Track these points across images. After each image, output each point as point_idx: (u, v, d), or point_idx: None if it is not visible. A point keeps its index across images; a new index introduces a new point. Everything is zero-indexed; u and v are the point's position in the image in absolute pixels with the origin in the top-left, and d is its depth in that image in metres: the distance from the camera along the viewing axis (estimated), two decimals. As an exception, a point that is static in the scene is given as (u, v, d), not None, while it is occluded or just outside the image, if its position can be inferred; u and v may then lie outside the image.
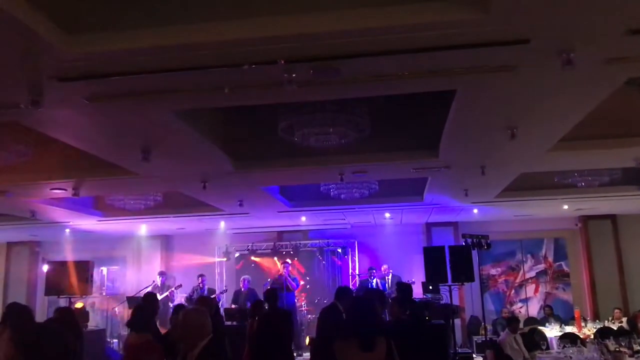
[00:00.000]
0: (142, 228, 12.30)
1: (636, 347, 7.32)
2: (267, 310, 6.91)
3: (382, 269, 11.97)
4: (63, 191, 7.84)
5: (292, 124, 5.60)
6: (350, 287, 10.37)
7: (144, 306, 5.39)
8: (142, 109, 4.70)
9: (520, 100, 4.79)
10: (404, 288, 7.29)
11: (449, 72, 3.98)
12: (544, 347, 8.66)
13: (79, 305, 10.26)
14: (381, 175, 8.01)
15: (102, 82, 3.93)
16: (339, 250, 13.51)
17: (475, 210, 11.37)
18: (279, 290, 11.24)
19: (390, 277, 11.64)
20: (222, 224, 12.16)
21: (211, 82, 4.07)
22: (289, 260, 12.27)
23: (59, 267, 9.84)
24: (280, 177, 7.95)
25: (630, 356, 6.75)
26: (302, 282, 12.50)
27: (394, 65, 3.86)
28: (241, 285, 11.42)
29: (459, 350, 9.62)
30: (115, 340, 11.59)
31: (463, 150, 6.44)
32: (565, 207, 11.34)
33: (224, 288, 12.70)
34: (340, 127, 5.55)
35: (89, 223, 11.21)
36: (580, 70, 3.91)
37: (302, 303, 12.41)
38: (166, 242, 14.20)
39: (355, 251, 13.47)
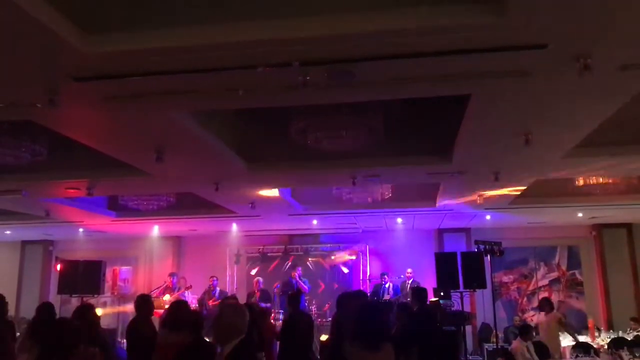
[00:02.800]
0: (155, 229, 12.37)
1: (651, 358, 7.24)
2: (291, 312, 6.97)
3: (407, 272, 11.92)
4: (77, 190, 7.90)
5: (306, 127, 5.60)
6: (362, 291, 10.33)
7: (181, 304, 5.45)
8: (156, 110, 4.73)
9: (535, 106, 4.74)
10: (418, 291, 7.26)
11: (463, 76, 3.95)
12: (556, 357, 8.57)
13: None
14: (394, 180, 7.99)
15: (117, 82, 3.95)
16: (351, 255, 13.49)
17: (488, 217, 11.29)
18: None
19: (410, 282, 11.59)
20: (234, 226, 12.19)
21: (226, 83, 4.08)
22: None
23: (72, 265, 9.92)
24: (292, 179, 7.96)
25: (645, 367, 6.67)
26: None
27: (408, 69, 3.84)
28: (255, 287, 11.41)
29: (470, 358, 9.52)
30: (125, 341, 11.62)
31: (477, 156, 6.39)
32: (580, 214, 11.22)
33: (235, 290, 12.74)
34: (354, 131, 5.54)
35: (102, 223, 11.30)
36: (597, 77, 3.86)
37: (312, 307, 12.39)
38: (178, 244, 14.27)
39: (367, 256, 13.44)
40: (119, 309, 13.05)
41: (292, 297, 7.19)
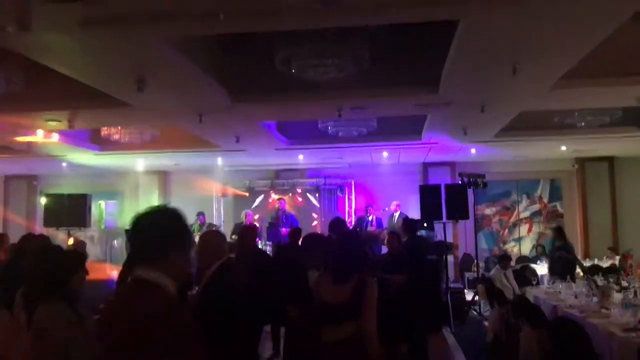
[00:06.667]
0: (140, 163, 12.28)
1: (624, 284, 7.50)
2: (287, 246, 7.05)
3: (392, 205, 12.04)
4: (58, 123, 7.75)
5: (290, 55, 5.47)
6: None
7: None
8: (135, 35, 4.57)
9: (524, 34, 4.67)
10: (410, 222, 7.35)
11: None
12: (534, 283, 8.89)
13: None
14: (380, 112, 7.92)
15: (93, 4, 3.78)
16: (337, 189, 13.61)
17: (473, 150, 11.35)
18: (277, 226, 11.46)
19: (397, 214, 11.73)
20: (219, 161, 12.14)
21: (205, 7, 3.93)
22: (284, 197, 12.44)
23: (57, 199, 9.90)
24: (277, 112, 7.86)
25: (618, 292, 6.91)
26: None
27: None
28: (245, 219, 11.47)
29: (451, 285, 9.84)
30: (115, 272, 11.80)
31: (464, 86, 6.34)
32: (563, 148, 11.32)
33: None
34: (339, 59, 5.43)
35: (86, 157, 11.17)
36: (586, 2, 3.78)
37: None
38: (164, 178, 14.24)
39: (352, 190, 13.56)
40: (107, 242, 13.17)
41: (292, 233, 7.24)
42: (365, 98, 6.83)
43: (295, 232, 7.21)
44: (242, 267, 4.57)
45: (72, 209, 9.68)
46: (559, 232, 9.93)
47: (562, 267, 8.82)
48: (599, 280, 7.32)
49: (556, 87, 6.35)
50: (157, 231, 1.74)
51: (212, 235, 4.06)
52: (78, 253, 3.75)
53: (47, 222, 9.94)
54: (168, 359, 1.59)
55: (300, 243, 5.89)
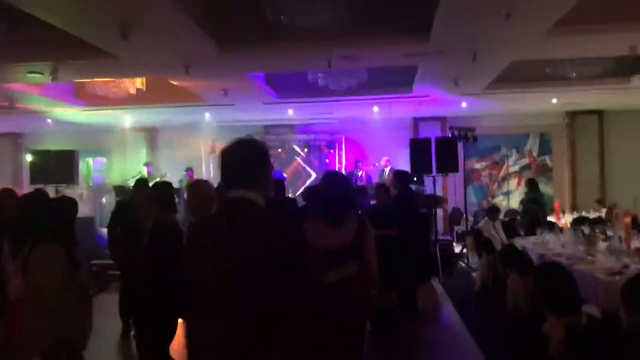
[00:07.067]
0: (127, 119, 12.10)
1: (609, 234, 7.62)
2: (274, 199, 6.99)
3: (382, 160, 12.02)
4: (40, 75, 7.56)
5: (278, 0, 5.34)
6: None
7: None
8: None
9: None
10: (401, 174, 7.29)
11: None
12: (522, 234, 9.01)
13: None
14: (371, 62, 7.80)
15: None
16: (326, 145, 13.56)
17: (464, 104, 11.29)
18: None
19: (388, 170, 11.72)
20: (207, 116, 11.99)
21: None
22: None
23: (43, 155, 9.77)
24: (266, 62, 7.70)
25: (603, 241, 7.01)
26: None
27: None
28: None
29: (440, 238, 9.94)
30: (105, 229, 11.78)
31: (456, 33, 6.23)
32: (554, 101, 11.29)
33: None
34: (329, 4, 5.30)
35: (72, 113, 10.97)
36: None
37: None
38: (152, 135, 14.07)
39: (342, 146, 13.50)
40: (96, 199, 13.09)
41: (276, 184, 7.18)
42: (355, 47, 6.69)
43: (278, 183, 7.16)
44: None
45: (60, 166, 9.57)
46: (532, 184, 10.09)
47: (529, 220, 8.98)
48: (586, 229, 7.42)
49: (549, 35, 6.27)
50: (247, 159, 2.00)
51: (206, 186, 3.97)
52: (69, 198, 3.69)
53: (34, 180, 9.82)
54: (273, 264, 1.78)
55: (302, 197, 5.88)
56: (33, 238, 3.27)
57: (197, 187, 3.89)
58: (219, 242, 1.86)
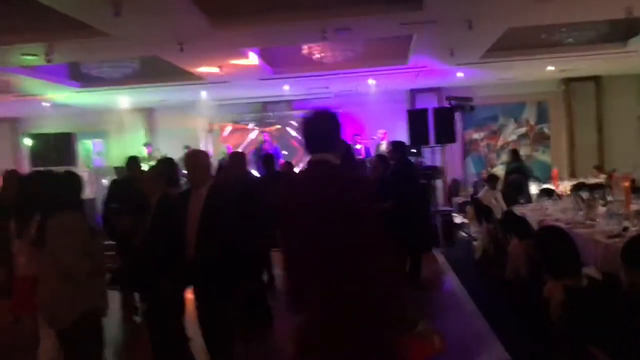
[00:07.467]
0: (124, 100, 12.04)
1: (609, 199, 7.65)
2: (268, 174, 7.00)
3: (379, 133, 12.01)
4: (34, 57, 7.51)
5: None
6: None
7: None
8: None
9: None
10: (398, 143, 7.24)
11: None
12: (522, 202, 9.04)
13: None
14: (365, 33, 7.74)
15: None
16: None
17: (460, 74, 11.24)
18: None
19: (385, 143, 11.70)
20: (204, 94, 11.94)
21: None
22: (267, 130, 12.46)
23: (42, 139, 9.79)
24: (259, 36, 7.63)
25: (603, 205, 7.05)
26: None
27: None
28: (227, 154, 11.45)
29: (440, 209, 9.99)
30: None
31: (449, 0, 6.17)
32: (550, 68, 11.24)
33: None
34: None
35: (67, 95, 10.91)
36: None
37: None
38: (149, 115, 14.05)
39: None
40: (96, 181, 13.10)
41: (267, 159, 7.21)
42: (349, 17, 6.64)
43: (268, 158, 7.18)
44: (231, 188, 4.57)
45: (59, 149, 9.65)
46: (514, 154, 10.14)
47: (513, 190, 9.01)
48: (584, 195, 7.46)
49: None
50: (326, 127, 2.39)
51: (202, 154, 4.02)
52: (72, 172, 3.75)
53: (34, 163, 9.88)
54: (356, 217, 2.19)
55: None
56: (45, 211, 3.33)
57: (193, 156, 3.94)
58: (312, 192, 2.29)
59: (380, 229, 2.27)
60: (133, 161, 6.19)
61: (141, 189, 4.07)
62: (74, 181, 3.47)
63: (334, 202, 2.21)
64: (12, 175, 5.25)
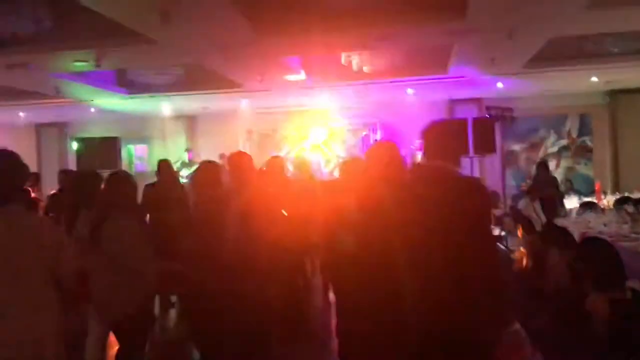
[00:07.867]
0: (167, 107, 12.39)
1: (657, 214, 7.42)
2: None
3: (416, 143, 11.96)
4: (84, 63, 7.81)
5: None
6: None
7: None
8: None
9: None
10: None
11: None
12: (562, 215, 8.86)
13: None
14: (407, 42, 7.76)
15: None
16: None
17: (500, 84, 11.11)
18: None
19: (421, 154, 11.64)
20: (245, 103, 12.18)
21: None
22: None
23: (89, 143, 10.14)
24: (301, 44, 7.72)
25: (651, 221, 6.84)
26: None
27: None
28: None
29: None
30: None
31: (492, 8, 6.15)
32: (594, 79, 10.98)
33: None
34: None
35: (115, 101, 11.27)
36: None
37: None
38: (191, 123, 14.36)
39: (377, 129, 13.49)
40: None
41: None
42: (390, 26, 6.68)
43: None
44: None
45: (104, 152, 9.96)
46: (542, 167, 9.92)
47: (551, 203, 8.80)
48: (629, 208, 7.26)
49: (589, 8, 6.12)
50: (444, 140, 2.77)
51: (211, 166, 4.01)
52: (129, 174, 3.99)
53: (80, 166, 10.22)
54: (475, 218, 2.45)
55: None
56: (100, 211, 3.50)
57: (203, 167, 3.97)
58: (432, 195, 2.50)
59: (492, 230, 2.50)
60: (163, 165, 6.39)
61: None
62: (131, 183, 3.63)
63: (455, 205, 2.42)
64: (67, 176, 5.51)
